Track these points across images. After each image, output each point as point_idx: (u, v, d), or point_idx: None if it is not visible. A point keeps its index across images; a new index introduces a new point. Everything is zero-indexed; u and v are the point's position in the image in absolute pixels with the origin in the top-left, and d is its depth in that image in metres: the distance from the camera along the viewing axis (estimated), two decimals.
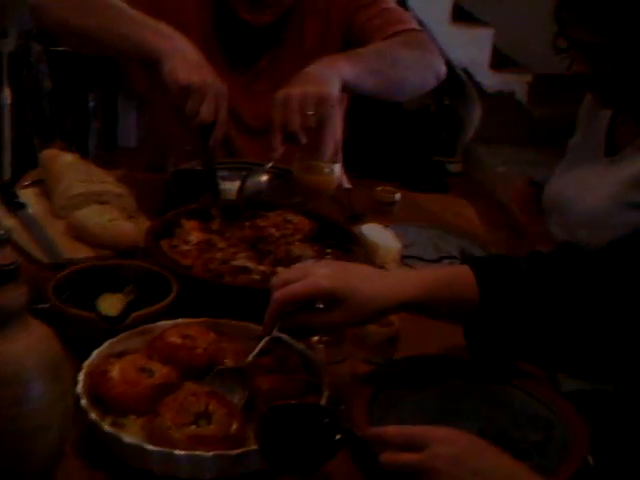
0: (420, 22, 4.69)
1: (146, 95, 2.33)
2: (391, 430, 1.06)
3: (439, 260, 1.78)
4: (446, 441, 1.03)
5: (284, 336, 1.27)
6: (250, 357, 1.23)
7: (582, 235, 1.75)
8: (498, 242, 1.93)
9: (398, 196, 2.01)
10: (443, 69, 2.17)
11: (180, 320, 1.34)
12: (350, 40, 2.12)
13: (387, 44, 2.05)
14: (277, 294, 1.21)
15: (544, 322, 1.25)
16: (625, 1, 1.55)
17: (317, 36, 2.16)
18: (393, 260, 1.69)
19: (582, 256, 1.32)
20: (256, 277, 1.47)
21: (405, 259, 1.75)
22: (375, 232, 1.74)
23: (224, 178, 1.93)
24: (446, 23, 4.88)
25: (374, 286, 1.23)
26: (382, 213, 1.98)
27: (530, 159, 4.72)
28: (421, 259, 1.77)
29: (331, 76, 1.85)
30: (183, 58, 1.77)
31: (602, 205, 1.73)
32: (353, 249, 1.42)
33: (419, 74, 2.13)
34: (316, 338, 1.42)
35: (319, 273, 1.22)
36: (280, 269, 1.45)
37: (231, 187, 1.86)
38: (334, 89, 1.83)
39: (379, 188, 2.03)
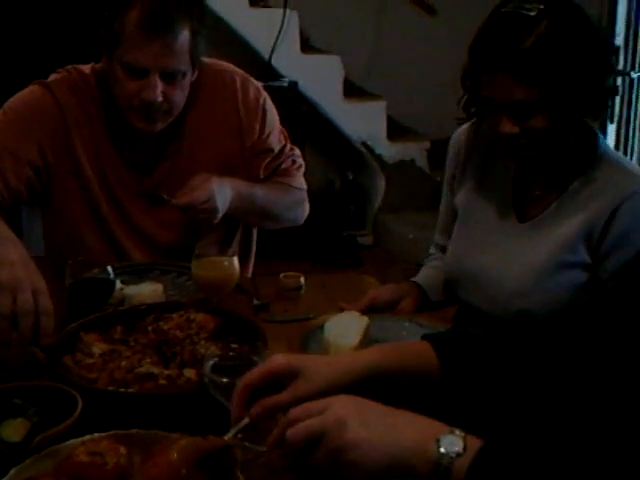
0: (312, 102, 4.85)
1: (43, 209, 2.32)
2: (292, 412, 1.11)
3: None
4: (341, 398, 1.10)
5: None
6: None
7: (514, 304, 1.77)
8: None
9: (302, 280, 2.02)
10: (303, 218, 2.45)
11: (88, 437, 1.31)
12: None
13: (273, 199, 2.30)
14: (238, 384, 1.24)
15: (504, 391, 1.31)
16: (546, 55, 1.61)
17: (209, 150, 2.22)
18: None
19: (537, 325, 1.37)
20: (163, 382, 1.45)
21: None
22: (341, 324, 1.68)
23: (125, 282, 1.93)
24: (339, 100, 4.97)
25: (329, 358, 1.33)
26: (288, 299, 1.99)
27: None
28: None
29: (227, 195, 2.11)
30: None
31: (533, 272, 1.77)
32: (257, 344, 1.42)
33: (279, 224, 2.41)
34: (230, 435, 1.40)
35: (275, 357, 1.26)
36: None
37: (132, 292, 1.85)
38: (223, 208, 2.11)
39: (282, 275, 2.04)
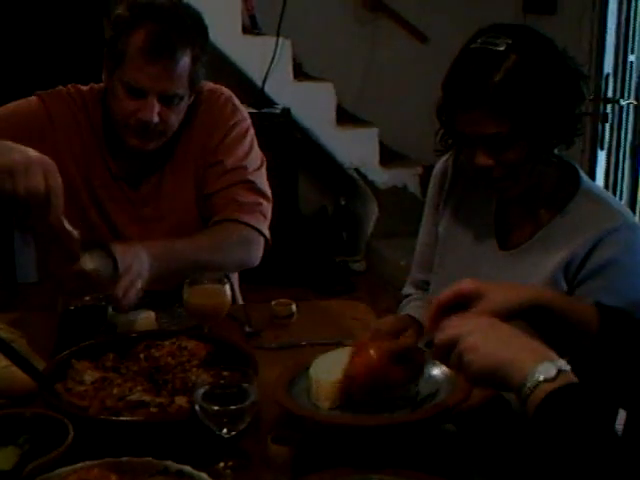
0: (305, 128, 4.87)
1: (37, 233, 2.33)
2: (446, 321, 1.33)
3: None
4: (484, 316, 1.32)
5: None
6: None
7: None
8: None
9: (294, 307, 2.03)
10: (254, 261, 2.21)
11: (79, 465, 1.31)
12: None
13: (208, 248, 2.10)
14: (433, 302, 1.41)
15: None
16: (514, 89, 1.62)
17: (189, 171, 2.23)
18: (326, 396, 1.54)
19: None
20: (154, 410, 1.45)
21: None
22: (330, 360, 1.61)
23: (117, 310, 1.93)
24: (331, 127, 5.00)
25: (511, 283, 1.50)
26: (280, 326, 1.99)
27: None
28: None
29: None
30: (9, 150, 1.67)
31: None
32: (248, 372, 1.42)
33: (224, 269, 2.12)
34: (222, 464, 1.41)
35: (464, 280, 1.42)
36: None
37: (125, 319, 1.85)
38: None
39: (274, 302, 2.04)
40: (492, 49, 1.65)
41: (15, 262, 4.76)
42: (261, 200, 2.23)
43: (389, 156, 5.24)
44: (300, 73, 5.05)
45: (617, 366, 1.39)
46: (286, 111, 4.75)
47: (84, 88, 2.24)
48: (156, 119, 2.05)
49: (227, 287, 1.84)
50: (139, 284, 1.86)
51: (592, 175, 4.37)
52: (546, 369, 1.18)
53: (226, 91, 2.31)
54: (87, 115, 2.20)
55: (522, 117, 1.63)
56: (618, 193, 4.53)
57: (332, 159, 5.07)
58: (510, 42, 1.65)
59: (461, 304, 1.38)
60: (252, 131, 2.29)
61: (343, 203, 5.22)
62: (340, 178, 5.19)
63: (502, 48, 1.64)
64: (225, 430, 1.36)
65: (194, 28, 2.10)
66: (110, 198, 2.19)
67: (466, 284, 1.39)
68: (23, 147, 1.68)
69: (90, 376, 1.54)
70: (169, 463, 1.30)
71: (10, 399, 1.58)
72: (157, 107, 2.04)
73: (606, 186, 4.46)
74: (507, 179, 1.73)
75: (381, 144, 5.15)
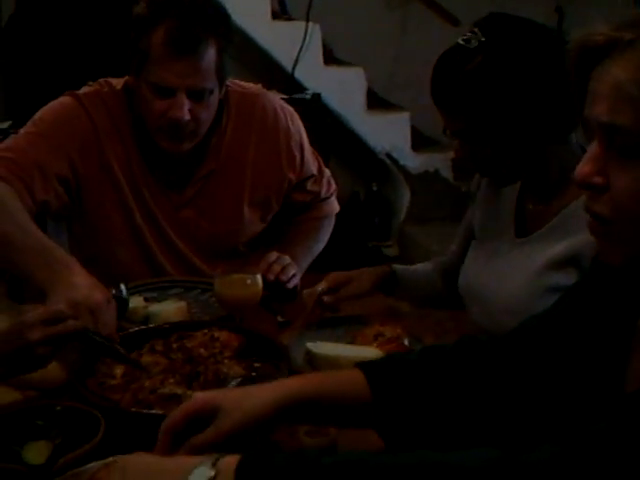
0: (336, 114, 4.83)
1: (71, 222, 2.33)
2: None
3: None
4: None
5: None
6: None
7: (506, 322, 1.74)
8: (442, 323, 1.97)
9: (327, 297, 2.01)
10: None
11: (111, 459, 1.29)
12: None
13: (316, 245, 2.55)
14: (161, 428, 1.22)
15: (439, 411, 1.26)
16: (469, 91, 1.62)
17: (242, 177, 2.25)
18: None
19: (478, 347, 1.34)
20: None
21: None
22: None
23: (148, 299, 1.93)
24: (362, 112, 4.96)
25: (249, 389, 1.26)
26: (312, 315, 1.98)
27: None
28: None
29: None
30: (67, 287, 1.66)
31: (522, 291, 1.74)
32: (279, 365, 1.41)
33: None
34: None
35: (195, 395, 1.26)
36: None
37: (156, 310, 1.84)
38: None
39: (305, 291, 2.02)
40: (464, 46, 1.63)
41: None
42: (334, 185, 2.51)
43: (421, 141, 5.20)
44: (330, 58, 5.02)
45: (402, 427, 1.27)
46: (316, 96, 4.72)
47: (117, 86, 2.18)
48: (187, 116, 2.01)
49: (258, 277, 1.83)
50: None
51: None
52: (200, 475, 1.02)
53: (269, 93, 2.34)
54: (124, 117, 2.15)
55: (476, 118, 1.64)
56: None
57: (363, 144, 5.04)
58: (483, 40, 1.62)
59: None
60: None
61: (375, 188, 5.20)
62: (372, 163, 5.16)
63: (473, 46, 1.62)
64: None
65: (216, 18, 2.04)
66: (156, 202, 2.18)
67: (196, 401, 1.22)
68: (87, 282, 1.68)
69: (120, 369, 1.54)
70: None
71: (41, 392, 1.58)
72: (187, 104, 2.00)
73: None
74: (482, 171, 1.79)
75: (413, 129, 5.11)
